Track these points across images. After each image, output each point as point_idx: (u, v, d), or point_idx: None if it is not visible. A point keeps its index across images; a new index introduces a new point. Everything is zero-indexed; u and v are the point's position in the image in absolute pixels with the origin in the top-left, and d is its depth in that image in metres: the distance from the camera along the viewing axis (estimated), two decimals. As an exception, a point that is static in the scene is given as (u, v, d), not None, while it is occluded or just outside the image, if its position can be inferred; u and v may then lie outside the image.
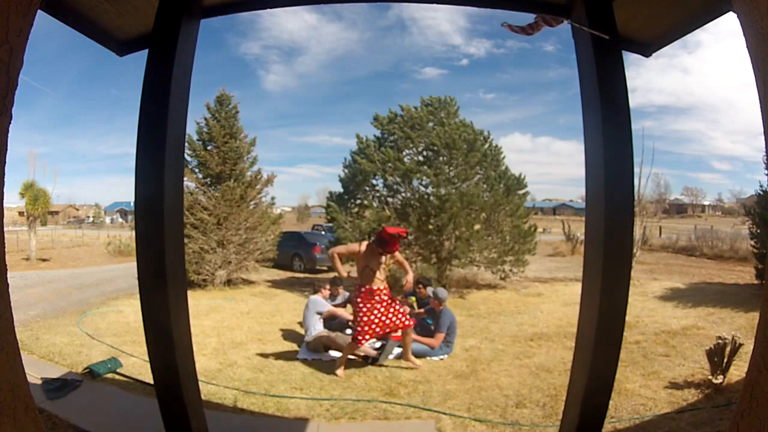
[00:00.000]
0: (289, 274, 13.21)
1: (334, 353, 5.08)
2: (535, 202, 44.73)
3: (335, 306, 6.08)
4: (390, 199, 10.02)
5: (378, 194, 10.08)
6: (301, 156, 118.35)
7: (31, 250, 15.09)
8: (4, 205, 1.14)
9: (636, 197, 10.66)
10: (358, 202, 10.07)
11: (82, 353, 4.86)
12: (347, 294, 6.41)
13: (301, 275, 13.10)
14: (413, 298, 6.17)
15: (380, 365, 4.70)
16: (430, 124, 9.90)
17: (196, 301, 8.20)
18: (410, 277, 4.70)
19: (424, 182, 9.69)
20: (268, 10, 2.21)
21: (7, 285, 1.10)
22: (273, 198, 11.58)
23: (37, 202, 15.80)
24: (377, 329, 4.49)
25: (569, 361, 2.23)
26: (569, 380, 2.21)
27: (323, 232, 16.95)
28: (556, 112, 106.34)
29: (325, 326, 5.52)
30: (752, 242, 9.68)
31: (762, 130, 1.16)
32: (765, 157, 9.13)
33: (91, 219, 52.98)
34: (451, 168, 9.66)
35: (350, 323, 5.70)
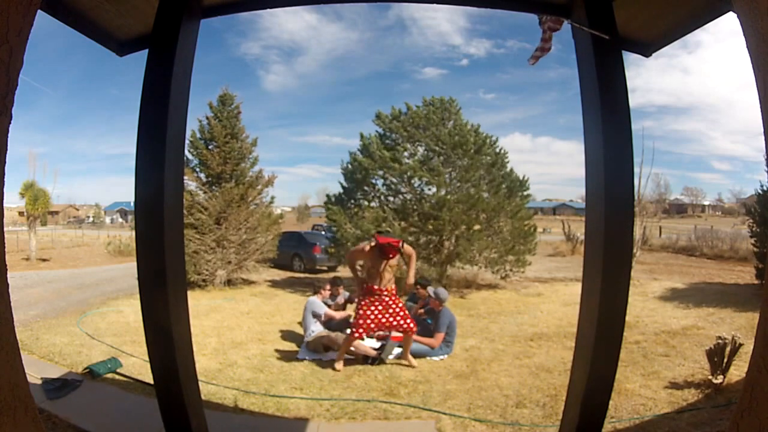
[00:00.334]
0: (289, 274, 13.21)
1: (334, 353, 5.08)
2: (535, 203, 44.73)
3: (336, 305, 6.08)
4: (391, 199, 10.02)
5: (378, 194, 10.08)
6: (301, 156, 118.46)
7: (31, 250, 15.09)
8: (4, 205, 1.14)
9: (636, 197, 10.65)
10: (359, 202, 10.07)
11: (82, 353, 4.86)
12: (347, 294, 6.41)
13: (301, 275, 13.10)
14: (424, 292, 6.10)
15: (380, 365, 4.70)
16: (433, 126, 9.90)
17: (196, 301, 8.20)
18: (410, 279, 4.78)
19: (424, 182, 9.70)
20: (268, 10, 2.21)
21: (7, 285, 1.10)
22: (272, 198, 11.59)
23: (37, 202, 15.81)
24: (372, 325, 4.57)
25: (569, 361, 2.23)
26: (569, 380, 2.21)
27: (323, 232, 16.95)
28: (556, 112, 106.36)
29: (325, 326, 5.52)
30: (752, 241, 9.68)
31: (762, 130, 1.16)
32: (765, 157, 9.14)
33: (91, 219, 53.00)
34: (453, 169, 9.66)
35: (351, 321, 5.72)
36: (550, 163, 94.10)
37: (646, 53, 2.25)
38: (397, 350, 4.96)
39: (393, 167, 9.45)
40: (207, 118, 10.50)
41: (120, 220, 52.28)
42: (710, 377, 3.73)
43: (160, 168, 1.85)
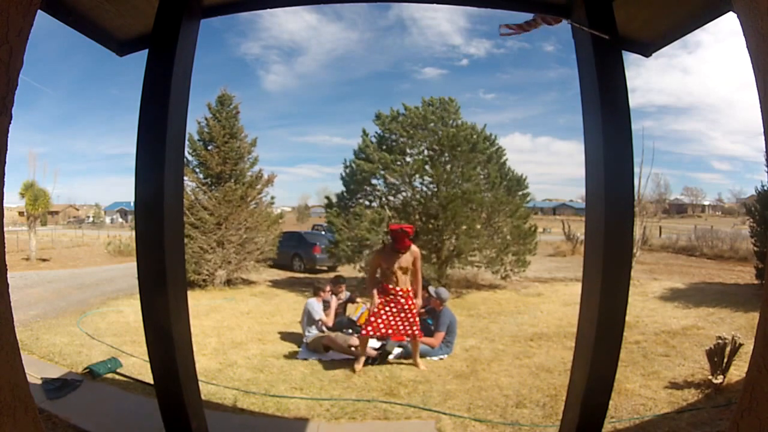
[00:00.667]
0: (289, 274, 13.21)
1: (334, 353, 5.08)
2: (535, 202, 44.71)
3: (338, 304, 6.07)
4: (391, 198, 10.03)
5: (379, 193, 10.08)
6: (301, 156, 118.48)
7: (31, 250, 15.09)
8: (4, 205, 1.14)
9: (636, 197, 10.66)
10: (359, 202, 10.08)
11: (82, 353, 4.86)
12: (348, 294, 6.41)
13: (301, 275, 13.10)
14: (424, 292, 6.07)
15: (380, 365, 4.69)
16: (432, 124, 9.90)
17: (196, 301, 8.20)
18: (418, 300, 4.73)
19: (425, 182, 9.70)
20: (268, 10, 2.22)
21: (7, 285, 1.10)
22: (273, 198, 11.59)
23: (37, 202, 15.81)
24: (382, 327, 4.54)
25: (569, 361, 2.23)
26: (569, 380, 2.21)
27: (323, 232, 16.95)
28: (556, 112, 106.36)
29: (320, 330, 5.50)
30: (752, 240, 9.68)
31: (762, 130, 1.16)
32: (765, 157, 9.14)
33: (91, 219, 53.00)
34: (453, 168, 9.66)
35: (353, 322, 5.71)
36: (550, 163, 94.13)
37: (646, 53, 2.25)
38: (397, 350, 4.96)
39: (393, 168, 9.45)
40: (206, 119, 10.51)
41: (120, 220, 52.28)
42: (710, 377, 3.73)
43: (160, 168, 1.85)
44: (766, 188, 9.01)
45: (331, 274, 12.26)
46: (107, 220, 52.17)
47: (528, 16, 2.10)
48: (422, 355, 4.92)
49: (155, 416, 2.10)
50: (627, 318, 1.92)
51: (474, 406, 3.63)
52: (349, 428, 3.34)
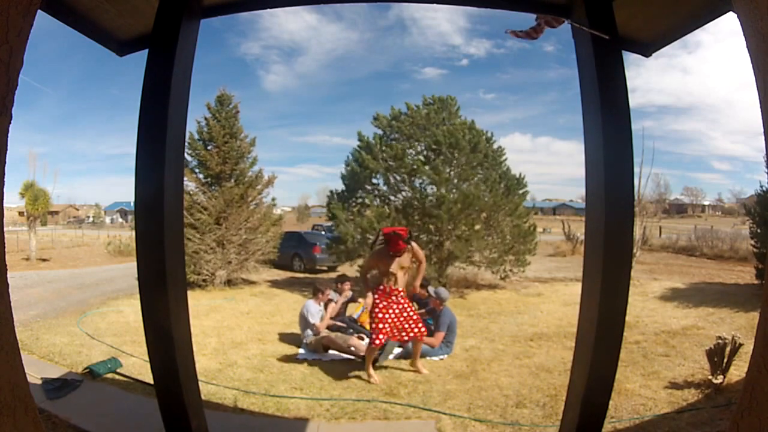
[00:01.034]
0: (289, 274, 13.21)
1: (334, 353, 5.08)
2: (535, 202, 44.72)
3: (341, 303, 6.06)
4: (392, 198, 10.03)
5: (379, 193, 10.09)
6: (301, 156, 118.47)
7: (31, 250, 15.09)
8: (4, 205, 1.14)
9: (636, 197, 10.66)
10: (359, 201, 10.08)
11: (82, 353, 4.86)
12: (351, 293, 6.40)
13: (301, 275, 13.11)
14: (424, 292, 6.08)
15: (380, 365, 4.69)
16: (433, 125, 9.91)
17: (196, 301, 8.21)
18: (417, 281, 4.68)
19: (425, 182, 9.70)
20: (268, 10, 2.22)
21: (7, 285, 1.10)
22: (274, 199, 11.60)
23: (37, 202, 15.80)
24: (389, 330, 4.40)
25: (569, 361, 2.23)
26: (569, 380, 2.21)
27: (323, 232, 16.96)
28: (556, 112, 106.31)
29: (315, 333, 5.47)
30: (752, 242, 9.68)
31: (762, 130, 1.16)
32: (765, 157, 9.13)
33: (91, 219, 52.99)
34: (453, 168, 9.67)
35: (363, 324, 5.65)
36: (550, 163, 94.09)
37: (646, 53, 2.25)
38: (397, 350, 4.95)
39: (393, 167, 9.45)
40: (205, 118, 10.51)
41: (120, 220, 52.27)
42: (710, 377, 3.73)
43: (160, 168, 1.85)
44: (766, 188, 9.01)
45: (332, 274, 12.27)
46: (107, 220, 52.16)
47: (528, 16, 2.10)
48: (422, 355, 4.90)
49: (155, 416, 2.10)
50: (627, 318, 1.92)
51: (474, 406, 3.63)
52: (349, 428, 3.34)
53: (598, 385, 1.93)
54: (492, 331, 6.24)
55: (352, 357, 4.95)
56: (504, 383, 4.14)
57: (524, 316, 7.22)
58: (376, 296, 4.48)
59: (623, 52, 1.98)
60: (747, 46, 1.14)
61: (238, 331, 6.22)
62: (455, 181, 9.62)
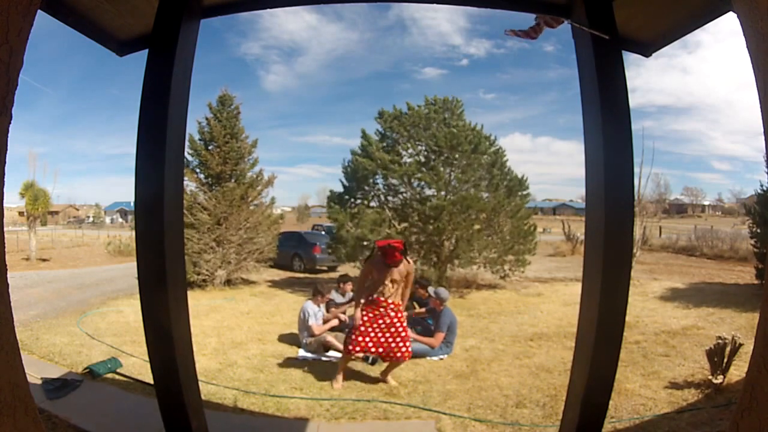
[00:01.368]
0: (289, 274, 13.21)
1: (334, 353, 5.07)
2: (535, 202, 44.72)
3: (342, 303, 6.06)
4: (390, 199, 10.03)
5: (378, 194, 10.08)
6: (301, 156, 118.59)
7: (31, 250, 15.09)
8: (4, 205, 1.14)
9: (636, 197, 10.66)
10: (359, 201, 10.08)
11: (82, 353, 4.86)
12: (351, 294, 6.39)
13: (301, 275, 13.10)
14: (424, 292, 6.08)
15: (380, 365, 4.69)
16: (434, 124, 9.90)
17: (196, 301, 8.20)
18: (405, 299, 4.40)
19: (424, 184, 9.70)
20: (268, 10, 2.22)
21: (7, 285, 1.10)
22: (273, 199, 11.59)
23: (37, 202, 15.81)
24: (370, 345, 4.15)
25: (569, 361, 2.23)
26: (569, 380, 2.21)
27: (323, 232, 16.95)
28: (556, 112, 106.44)
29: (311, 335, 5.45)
30: (752, 242, 9.68)
31: (762, 130, 1.16)
32: (765, 157, 9.13)
33: (91, 219, 52.98)
34: (453, 169, 9.66)
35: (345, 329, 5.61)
36: (550, 163, 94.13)
37: (646, 53, 2.25)
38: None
39: (393, 168, 9.45)
40: (206, 119, 10.51)
41: (120, 220, 52.27)
42: (710, 377, 3.73)
43: (160, 168, 1.85)
44: (766, 188, 9.01)
45: (332, 274, 12.28)
46: (107, 220, 52.16)
47: (528, 16, 2.10)
48: (422, 356, 4.91)
49: (155, 416, 2.10)
50: (627, 318, 1.92)
51: (474, 406, 3.63)
52: (349, 428, 3.34)
53: (598, 385, 1.93)
54: (492, 331, 6.24)
55: (351, 357, 4.93)
56: (504, 383, 4.14)
57: (524, 316, 7.22)
58: (364, 309, 4.23)
59: (623, 52, 1.98)
60: (747, 46, 1.14)
61: (238, 331, 6.22)
62: (454, 183, 9.61)
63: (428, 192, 9.70)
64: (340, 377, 4.22)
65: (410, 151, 9.98)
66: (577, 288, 2.73)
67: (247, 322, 6.85)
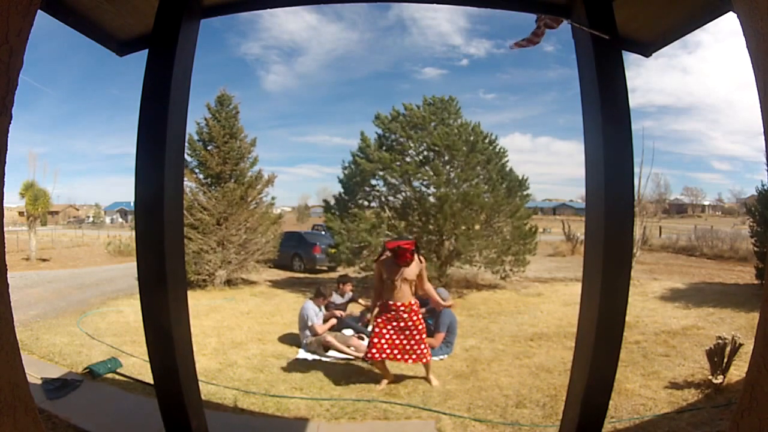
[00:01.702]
0: (289, 274, 13.21)
1: (334, 353, 5.07)
2: (535, 202, 44.73)
3: (341, 303, 6.06)
4: (391, 199, 10.03)
5: (378, 194, 10.08)
6: (301, 156, 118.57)
7: (31, 250, 15.09)
8: (4, 205, 1.14)
9: (636, 197, 10.66)
10: (359, 202, 10.08)
11: (82, 353, 4.86)
12: (350, 294, 6.40)
13: (301, 275, 13.10)
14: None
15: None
16: (432, 124, 9.91)
17: (196, 301, 8.20)
18: (434, 297, 4.44)
19: (424, 182, 9.70)
20: (268, 10, 2.22)
21: (7, 285, 1.10)
22: (273, 198, 11.60)
23: (37, 202, 15.81)
24: (385, 346, 4.05)
25: (569, 361, 2.23)
26: (569, 380, 2.21)
27: (323, 232, 16.95)
28: (556, 112, 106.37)
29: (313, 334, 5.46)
30: (753, 241, 9.68)
31: (762, 130, 1.16)
32: (765, 157, 9.13)
33: (91, 219, 52.99)
34: (452, 168, 9.66)
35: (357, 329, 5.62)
36: (550, 163, 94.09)
37: (646, 53, 2.25)
38: None
39: (393, 168, 9.45)
40: (206, 119, 10.51)
41: (120, 220, 52.27)
42: (710, 377, 3.73)
43: (160, 168, 1.85)
44: (766, 188, 9.01)
45: (332, 275, 12.27)
46: (107, 220, 52.17)
47: (527, 16, 2.10)
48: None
49: (155, 416, 2.10)
50: (627, 318, 1.92)
51: (474, 406, 3.63)
52: (349, 428, 3.34)
53: (598, 385, 1.93)
54: (492, 331, 6.24)
55: (351, 357, 4.94)
56: (504, 383, 4.13)
57: (524, 316, 7.22)
58: (377, 311, 4.17)
59: (623, 52, 1.98)
60: (747, 46, 1.14)
61: (238, 331, 6.22)
62: (456, 181, 9.61)
63: (428, 191, 9.71)
64: (384, 382, 4.17)
65: (410, 151, 9.99)
66: (577, 288, 2.73)
67: (247, 322, 6.85)
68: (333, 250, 10.30)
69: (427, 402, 3.74)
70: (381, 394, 3.96)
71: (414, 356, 4.09)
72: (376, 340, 4.09)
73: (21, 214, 26.71)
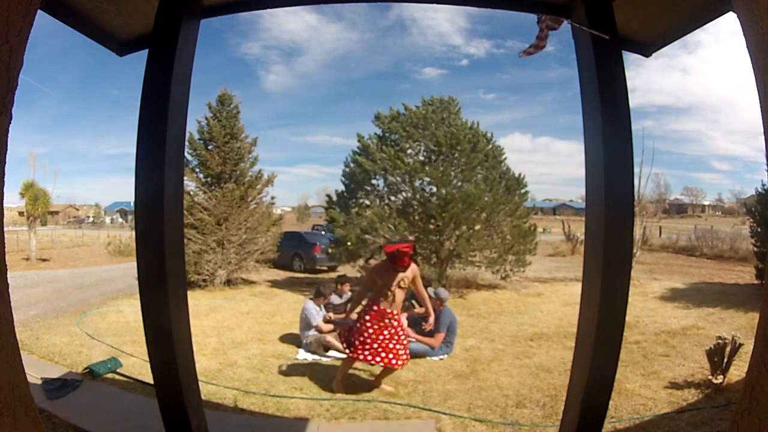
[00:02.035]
0: (289, 274, 13.21)
1: (334, 353, 5.07)
2: (535, 202, 44.72)
3: (340, 304, 6.06)
4: (392, 198, 10.03)
5: (379, 193, 10.09)
6: (301, 156, 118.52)
7: (31, 250, 15.09)
8: (4, 205, 1.14)
9: (636, 197, 10.66)
10: (360, 201, 10.08)
11: (82, 353, 4.86)
12: (349, 294, 6.39)
13: (301, 275, 13.11)
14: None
15: (380, 365, 4.68)
16: (433, 124, 9.91)
17: (196, 301, 8.21)
18: (431, 319, 4.37)
19: (425, 182, 9.71)
20: (268, 10, 2.21)
21: (7, 285, 1.10)
22: (273, 198, 11.59)
23: (37, 202, 15.80)
24: (379, 350, 3.97)
25: (569, 361, 2.23)
26: (569, 380, 2.21)
27: (323, 232, 16.96)
28: (556, 112, 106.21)
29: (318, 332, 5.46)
30: (753, 241, 9.68)
31: (762, 130, 1.16)
32: (765, 157, 9.12)
33: (91, 219, 52.97)
34: (453, 168, 9.67)
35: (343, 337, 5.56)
36: (550, 163, 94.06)
37: (646, 53, 2.25)
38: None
39: (397, 165, 9.45)
40: (206, 118, 10.50)
41: (120, 220, 52.26)
42: (710, 377, 3.73)
43: (160, 168, 1.85)
44: (766, 188, 9.01)
45: (332, 274, 12.27)
46: (107, 220, 52.15)
47: (527, 16, 2.10)
48: (422, 356, 4.91)
49: (155, 416, 2.10)
50: (627, 318, 1.92)
51: (474, 406, 3.64)
52: (349, 428, 3.34)
53: (598, 385, 1.93)
54: (492, 331, 6.24)
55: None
56: (504, 383, 4.14)
57: (524, 316, 7.22)
58: (368, 316, 4.01)
59: (623, 52, 1.98)
60: (747, 46, 1.14)
61: (238, 331, 6.22)
62: (455, 181, 9.62)
63: (429, 191, 9.70)
64: (339, 380, 4.12)
65: (410, 151, 10.00)
66: (577, 288, 2.73)
67: (247, 322, 6.85)
68: (333, 250, 10.28)
69: (427, 402, 3.74)
70: (381, 394, 3.96)
71: (399, 362, 4.01)
72: (367, 346, 3.96)
73: (21, 214, 26.71)
